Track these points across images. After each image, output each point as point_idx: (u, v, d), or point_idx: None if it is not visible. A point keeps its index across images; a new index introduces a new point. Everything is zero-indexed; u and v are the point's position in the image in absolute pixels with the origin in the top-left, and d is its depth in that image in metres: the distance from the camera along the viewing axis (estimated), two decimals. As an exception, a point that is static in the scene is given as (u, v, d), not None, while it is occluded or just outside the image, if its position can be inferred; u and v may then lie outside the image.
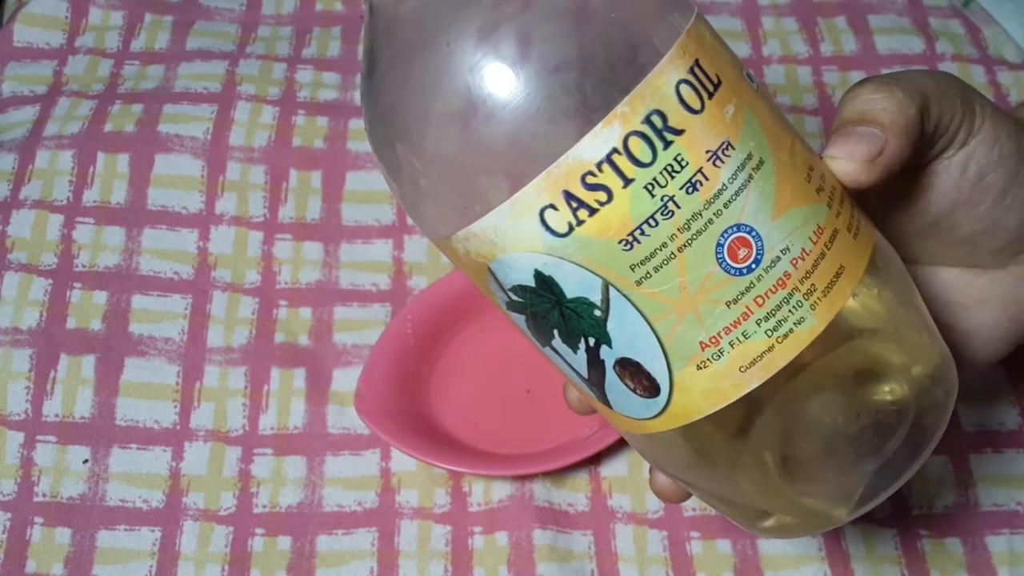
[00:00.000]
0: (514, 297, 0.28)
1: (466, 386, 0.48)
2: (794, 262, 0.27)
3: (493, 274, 0.28)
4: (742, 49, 0.60)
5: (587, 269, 0.26)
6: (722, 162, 0.26)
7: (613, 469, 0.46)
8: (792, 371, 0.27)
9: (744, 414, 0.27)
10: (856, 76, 0.59)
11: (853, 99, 0.30)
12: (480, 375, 0.49)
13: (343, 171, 0.54)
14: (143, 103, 0.55)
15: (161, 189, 0.52)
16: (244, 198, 0.52)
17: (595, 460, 0.46)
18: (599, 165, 0.25)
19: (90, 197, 0.52)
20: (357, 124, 0.55)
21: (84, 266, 0.50)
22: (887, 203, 0.32)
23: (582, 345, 0.28)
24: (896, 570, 0.44)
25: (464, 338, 0.49)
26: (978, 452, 0.47)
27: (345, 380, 0.48)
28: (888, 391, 0.28)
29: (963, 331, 0.34)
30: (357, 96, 0.57)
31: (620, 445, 0.46)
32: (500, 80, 0.25)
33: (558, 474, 0.46)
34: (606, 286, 0.26)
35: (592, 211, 0.26)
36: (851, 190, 0.29)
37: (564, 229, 0.26)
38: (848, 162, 0.29)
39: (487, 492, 0.46)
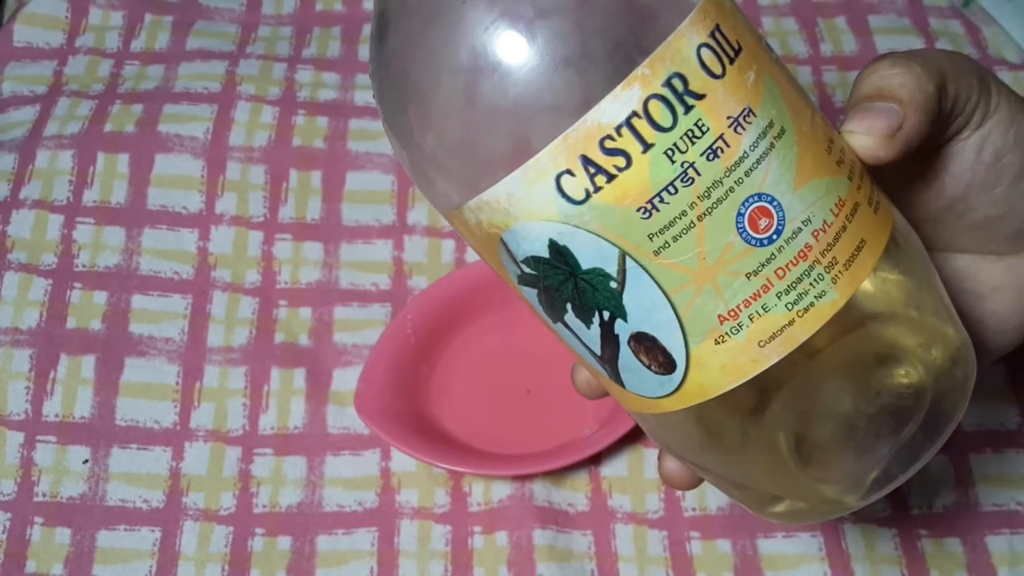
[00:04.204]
0: (526, 269, 0.28)
1: (466, 386, 0.48)
2: (815, 234, 0.26)
3: (505, 245, 0.27)
4: (742, 49, 0.60)
5: (603, 238, 0.26)
6: (743, 129, 0.26)
7: (613, 469, 0.46)
8: (810, 350, 0.26)
9: (760, 394, 0.27)
10: (856, 76, 0.59)
11: (870, 75, 0.30)
12: (480, 375, 0.49)
13: (343, 171, 0.54)
14: (143, 103, 0.55)
15: (161, 189, 0.52)
16: (244, 198, 0.52)
17: (595, 460, 0.46)
18: (618, 129, 0.25)
19: (90, 197, 0.52)
20: (357, 124, 0.55)
21: (84, 266, 0.50)
22: (901, 186, 0.32)
23: (596, 319, 0.27)
24: (896, 570, 0.44)
25: (464, 338, 0.49)
26: (978, 452, 0.47)
27: (345, 380, 0.48)
28: (906, 372, 0.28)
29: (976, 319, 0.34)
30: (357, 96, 0.57)
31: (620, 445, 0.46)
32: (517, 40, 0.25)
33: (558, 474, 0.46)
34: (623, 256, 0.26)
35: (610, 177, 0.25)
36: (869, 167, 0.29)
37: (581, 196, 0.25)
38: (867, 137, 0.28)
39: (487, 492, 0.46)
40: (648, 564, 0.44)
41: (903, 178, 0.31)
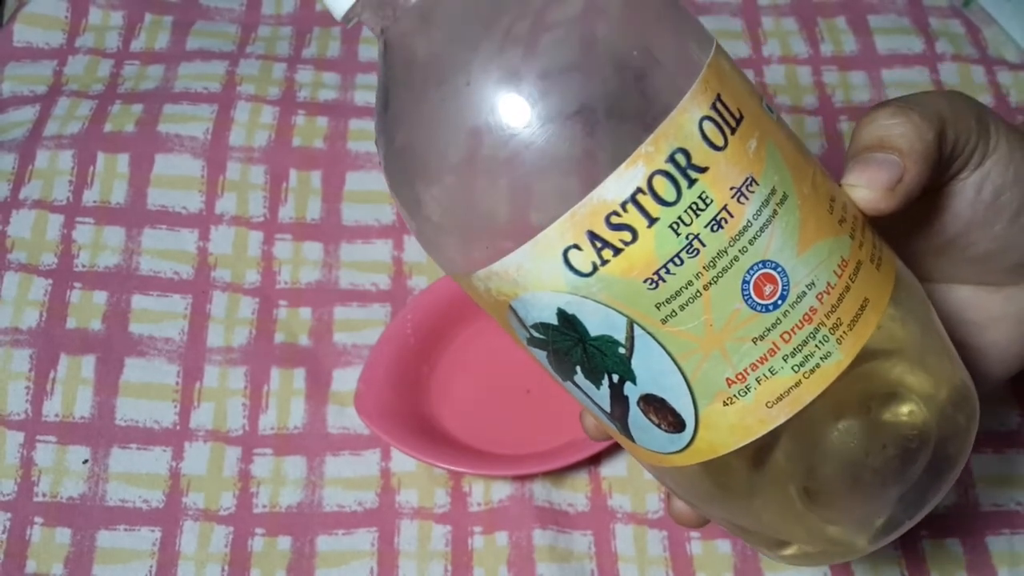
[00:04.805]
0: (536, 334, 0.28)
1: (466, 386, 0.48)
2: (820, 297, 0.26)
3: (514, 312, 0.28)
4: (742, 49, 0.60)
5: (611, 308, 0.26)
6: (746, 198, 0.26)
7: (613, 469, 0.46)
8: (816, 402, 0.27)
9: (767, 445, 0.27)
10: (856, 76, 0.59)
11: (869, 124, 0.29)
12: (480, 375, 0.49)
13: (343, 171, 0.54)
14: (143, 103, 0.55)
15: (161, 189, 0.52)
16: (244, 198, 0.52)
17: (595, 460, 0.46)
18: (624, 205, 0.25)
19: (90, 197, 0.52)
20: (357, 124, 0.55)
21: (84, 266, 0.50)
22: (901, 225, 0.32)
23: (605, 381, 0.28)
24: (896, 570, 0.44)
25: (464, 338, 0.49)
26: (978, 452, 0.47)
27: (345, 380, 0.48)
28: (910, 418, 0.28)
29: (976, 348, 0.34)
30: (357, 96, 0.57)
31: (620, 446, 0.46)
32: (522, 120, 0.25)
33: (558, 474, 0.46)
34: (631, 324, 0.26)
35: (617, 251, 0.26)
36: (870, 217, 0.29)
37: (588, 269, 0.26)
38: (868, 190, 0.28)
39: (487, 492, 0.46)
40: (648, 564, 0.44)
41: (903, 218, 0.31)
